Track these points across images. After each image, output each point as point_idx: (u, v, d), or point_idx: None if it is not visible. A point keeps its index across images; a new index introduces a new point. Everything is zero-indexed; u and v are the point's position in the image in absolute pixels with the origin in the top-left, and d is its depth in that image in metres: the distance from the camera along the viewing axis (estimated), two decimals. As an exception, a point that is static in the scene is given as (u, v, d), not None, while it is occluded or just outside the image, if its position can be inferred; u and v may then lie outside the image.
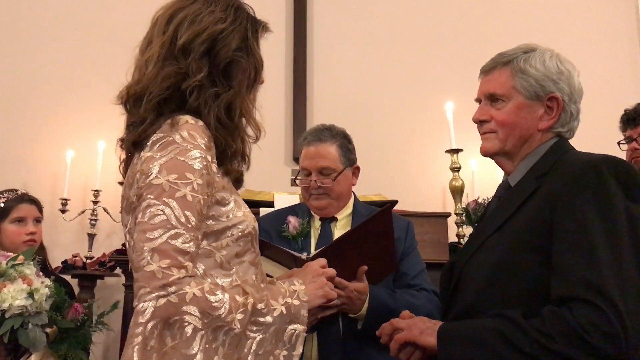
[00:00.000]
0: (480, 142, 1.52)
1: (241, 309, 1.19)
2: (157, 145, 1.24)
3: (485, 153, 1.51)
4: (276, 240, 2.03)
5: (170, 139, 1.23)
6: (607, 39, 4.18)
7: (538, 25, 4.05)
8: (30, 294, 1.84)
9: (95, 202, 3.49)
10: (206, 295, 1.16)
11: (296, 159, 3.76)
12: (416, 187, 3.77)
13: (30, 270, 1.89)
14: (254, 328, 1.22)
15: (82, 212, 3.55)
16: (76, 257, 3.24)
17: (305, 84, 3.93)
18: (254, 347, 1.21)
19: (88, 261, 3.29)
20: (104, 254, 3.27)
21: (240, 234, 1.30)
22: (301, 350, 1.27)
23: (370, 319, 1.82)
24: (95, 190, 3.49)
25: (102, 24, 3.84)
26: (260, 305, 1.23)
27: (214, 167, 1.28)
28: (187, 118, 1.26)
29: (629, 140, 2.48)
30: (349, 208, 2.17)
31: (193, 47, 1.31)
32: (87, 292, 3.16)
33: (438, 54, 4.03)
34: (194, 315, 1.14)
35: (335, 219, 2.14)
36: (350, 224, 2.12)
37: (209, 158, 1.26)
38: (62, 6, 3.90)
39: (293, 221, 2.08)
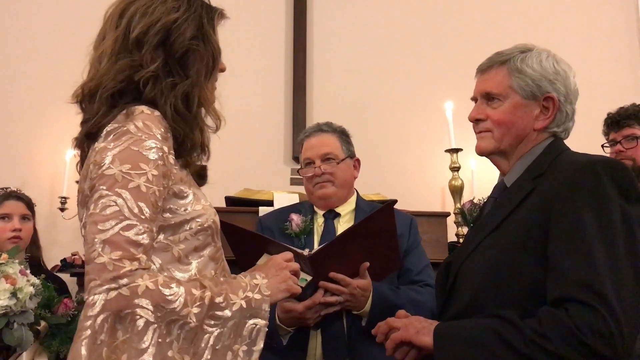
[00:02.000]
0: (479, 141, 1.52)
1: (197, 303, 1.16)
2: (111, 135, 1.22)
3: (480, 152, 1.50)
4: (279, 238, 2.04)
5: (125, 129, 1.21)
6: (606, 39, 4.17)
7: (538, 25, 4.05)
8: (14, 294, 1.82)
9: (94, 201, 3.48)
10: (160, 288, 1.13)
11: (296, 158, 3.76)
12: (415, 186, 3.77)
13: (13, 269, 1.86)
14: (212, 322, 1.19)
15: (82, 210, 3.55)
16: (75, 255, 3.23)
17: (305, 83, 3.92)
18: (211, 341, 1.18)
19: (87, 260, 3.28)
20: (103, 253, 3.26)
21: (199, 227, 1.28)
22: (262, 346, 1.25)
23: (374, 315, 1.82)
24: (95, 189, 3.48)
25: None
26: (218, 299, 1.20)
27: (171, 158, 1.25)
28: (143, 108, 1.24)
29: (612, 143, 2.49)
30: (351, 204, 2.18)
31: (147, 38, 1.28)
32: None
33: (437, 53, 4.03)
34: (146, 308, 1.11)
35: (338, 215, 2.15)
36: (353, 220, 2.13)
37: (166, 149, 1.23)
38: (62, 5, 3.89)
39: (296, 219, 2.09)
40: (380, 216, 1.80)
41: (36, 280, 1.92)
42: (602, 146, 2.52)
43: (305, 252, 1.78)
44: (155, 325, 1.12)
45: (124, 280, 1.10)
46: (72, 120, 4.08)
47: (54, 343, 1.96)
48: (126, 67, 1.27)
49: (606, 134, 2.55)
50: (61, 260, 3.23)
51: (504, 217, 1.38)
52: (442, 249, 3.00)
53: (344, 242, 1.75)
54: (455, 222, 3.45)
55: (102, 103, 1.26)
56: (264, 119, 3.83)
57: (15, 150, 3.60)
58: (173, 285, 1.16)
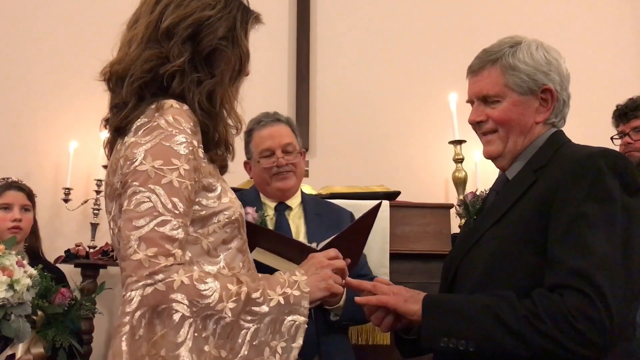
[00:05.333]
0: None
1: (233, 298, 1.16)
2: (142, 130, 1.22)
3: (489, 156, 1.49)
4: None
5: (155, 124, 1.21)
6: (611, 32, 4.15)
7: (541, 16, 4.03)
8: (11, 286, 1.82)
9: (98, 192, 3.49)
10: (195, 283, 1.13)
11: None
12: (419, 178, 3.76)
13: (10, 261, 1.87)
14: (248, 318, 1.18)
15: (85, 201, 3.56)
16: (79, 246, 3.24)
17: (309, 75, 3.91)
18: (248, 337, 1.17)
19: (91, 250, 3.30)
20: (107, 244, 3.27)
21: (227, 220, 1.29)
22: (301, 342, 1.23)
23: (347, 310, 1.83)
24: (98, 180, 3.49)
25: (106, 11, 3.82)
26: (255, 295, 1.19)
27: (201, 152, 1.26)
28: (172, 102, 1.24)
29: (621, 135, 2.49)
30: (298, 197, 2.17)
31: (177, 31, 1.28)
32: (90, 282, 3.16)
33: (442, 44, 4.01)
34: (181, 302, 1.11)
35: (289, 208, 2.13)
36: (303, 213, 2.12)
37: (195, 143, 1.24)
38: (66, -4, 3.88)
39: (252, 212, 2.03)
40: (373, 213, 1.79)
41: (33, 271, 1.93)
42: (612, 138, 2.51)
43: (314, 245, 1.77)
44: (191, 319, 1.12)
45: (160, 276, 1.11)
46: (76, 112, 4.08)
47: (50, 332, 1.97)
48: (153, 57, 1.27)
49: (615, 126, 2.55)
50: (65, 251, 3.24)
51: (506, 210, 1.38)
52: (446, 240, 3.00)
53: (346, 236, 1.74)
54: (457, 214, 3.44)
55: (130, 94, 1.27)
56: (267, 109, 3.82)
57: (19, 141, 3.61)
58: (209, 280, 1.16)
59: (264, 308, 1.20)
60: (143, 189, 1.16)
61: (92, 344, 3.05)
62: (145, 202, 1.15)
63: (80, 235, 3.48)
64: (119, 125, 1.28)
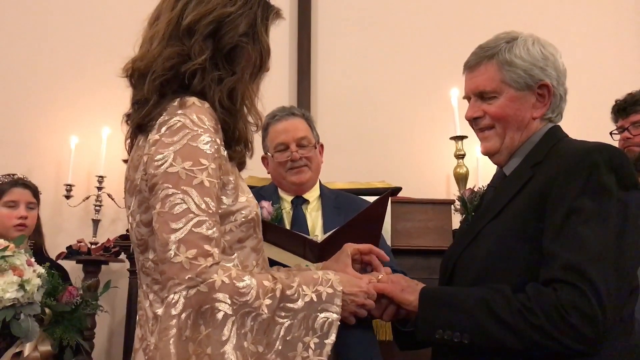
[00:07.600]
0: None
1: (269, 295, 1.19)
2: (165, 128, 1.23)
3: (487, 152, 1.49)
4: None
5: (180, 123, 1.22)
6: (611, 27, 4.13)
7: (543, 11, 4.02)
8: (22, 286, 1.83)
9: (99, 188, 3.51)
10: (234, 281, 1.16)
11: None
12: (420, 174, 3.76)
13: (20, 260, 1.87)
14: (283, 314, 1.21)
15: (87, 198, 3.57)
16: (81, 242, 3.25)
17: (310, 71, 3.91)
18: (282, 332, 1.20)
19: (93, 247, 3.30)
20: (108, 240, 3.29)
21: (243, 219, 1.29)
22: (334, 338, 1.25)
23: None
24: (100, 177, 3.50)
25: (107, 8, 3.82)
26: (289, 292, 1.22)
27: (222, 150, 1.27)
28: (194, 100, 1.25)
29: (620, 130, 2.49)
30: (316, 190, 2.17)
31: (198, 28, 1.29)
32: (92, 278, 3.17)
33: (443, 40, 4.00)
34: (224, 302, 1.15)
35: (306, 202, 2.13)
36: (320, 207, 2.12)
37: (218, 141, 1.25)
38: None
39: (267, 206, 2.04)
40: (381, 203, 1.79)
41: (42, 270, 1.93)
42: (611, 133, 2.51)
43: (314, 237, 1.77)
44: (233, 317, 1.15)
45: (202, 277, 1.14)
46: (77, 108, 4.06)
47: (58, 330, 1.97)
48: (174, 55, 1.28)
49: (614, 121, 2.55)
50: (67, 247, 3.25)
51: (503, 206, 1.38)
52: (447, 236, 3.00)
53: (351, 228, 1.74)
54: (454, 210, 3.43)
55: (152, 91, 1.28)
56: (268, 105, 3.78)
57: (20, 138, 3.62)
58: (245, 277, 1.19)
59: (298, 304, 1.23)
60: (176, 191, 1.17)
61: (95, 339, 3.06)
62: (179, 203, 1.17)
63: (82, 232, 3.49)
64: (141, 123, 1.29)
